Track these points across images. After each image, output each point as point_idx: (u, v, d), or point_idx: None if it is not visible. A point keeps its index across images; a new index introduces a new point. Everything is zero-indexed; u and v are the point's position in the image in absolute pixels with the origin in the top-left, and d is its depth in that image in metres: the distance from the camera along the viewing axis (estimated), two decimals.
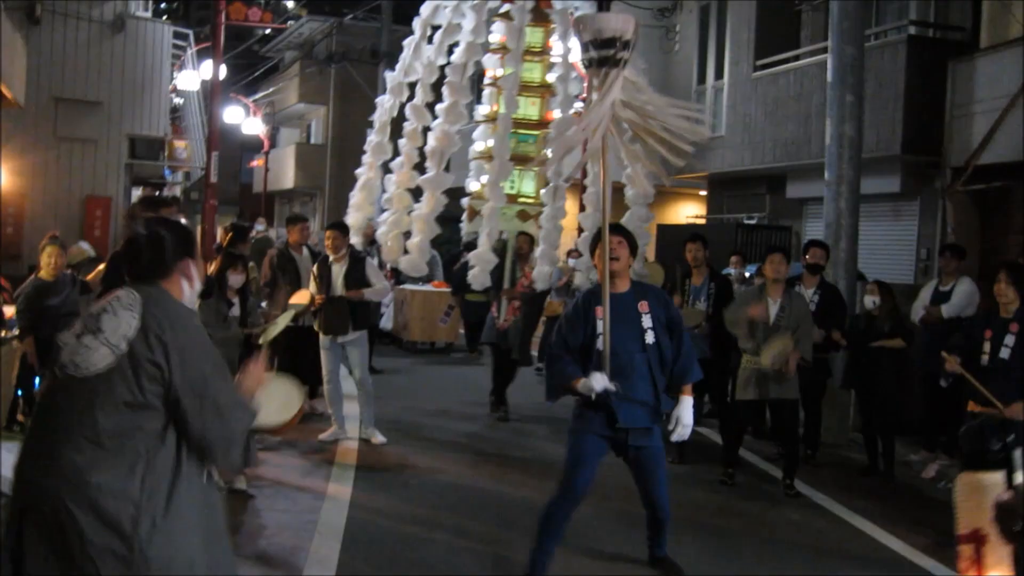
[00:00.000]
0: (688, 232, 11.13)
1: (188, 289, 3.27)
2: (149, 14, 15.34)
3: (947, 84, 11.51)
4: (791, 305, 8.02)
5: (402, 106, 11.71)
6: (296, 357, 9.33)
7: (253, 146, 37.12)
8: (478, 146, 12.12)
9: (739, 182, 17.61)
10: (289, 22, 36.04)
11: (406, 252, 11.22)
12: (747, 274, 11.87)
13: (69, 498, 2.89)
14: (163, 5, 16.14)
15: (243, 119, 32.48)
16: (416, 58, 10.98)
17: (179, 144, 19.61)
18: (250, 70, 34.79)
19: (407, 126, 11.54)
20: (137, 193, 21.20)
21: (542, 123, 11.75)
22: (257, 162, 36.60)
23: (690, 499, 7.63)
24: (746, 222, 16.86)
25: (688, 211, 22.19)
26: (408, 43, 11.60)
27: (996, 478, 2.47)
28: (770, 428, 9.23)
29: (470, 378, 13.40)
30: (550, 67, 12.05)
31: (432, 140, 11.15)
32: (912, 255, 13.44)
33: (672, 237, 15.41)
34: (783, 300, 8.02)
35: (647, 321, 5.43)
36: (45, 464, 2.94)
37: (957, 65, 11.39)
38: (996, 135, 10.36)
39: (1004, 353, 6.66)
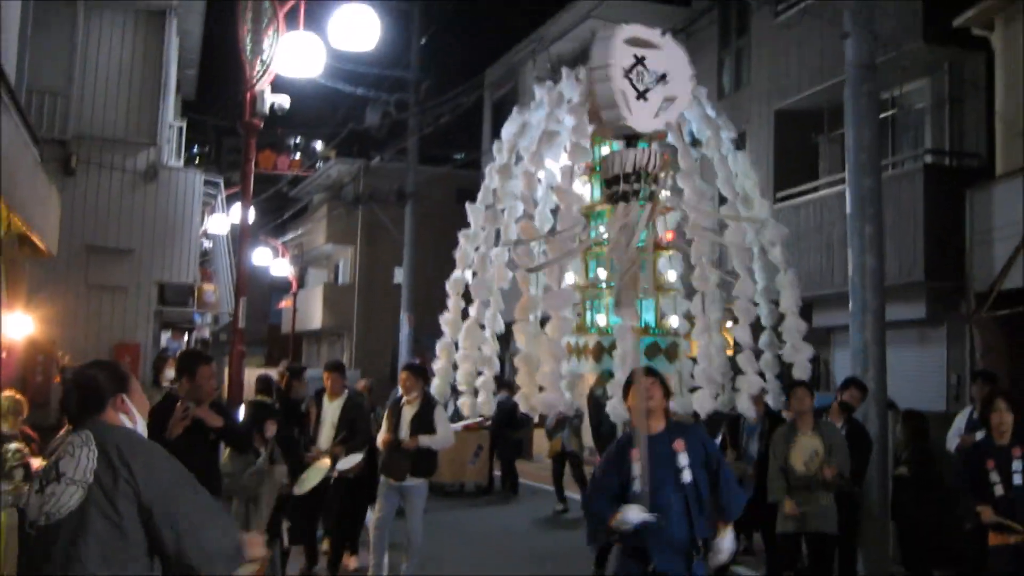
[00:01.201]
0: None
1: (129, 423, 3.39)
2: (181, 163, 15.79)
3: (966, 211, 11.60)
4: (822, 435, 8.01)
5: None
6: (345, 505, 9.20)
7: (281, 287, 37.62)
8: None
9: None
10: (318, 164, 36.98)
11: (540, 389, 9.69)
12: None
13: None
14: (195, 151, 16.60)
15: (272, 260, 33.00)
16: (505, 181, 9.63)
17: (208, 288, 19.92)
18: (279, 212, 35.52)
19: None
20: (166, 337, 21.46)
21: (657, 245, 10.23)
22: (285, 303, 37.00)
23: None
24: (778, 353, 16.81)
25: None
26: (492, 169, 10.00)
27: None
28: (808, 565, 9.04)
29: (510, 525, 13.12)
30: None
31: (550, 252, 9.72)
32: (943, 381, 13.34)
33: None
34: (813, 432, 8.01)
35: (683, 460, 5.38)
36: None
37: (975, 192, 11.52)
38: (1020, 260, 10.39)
39: (1018, 479, 6.63)
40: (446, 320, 9.76)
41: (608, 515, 5.30)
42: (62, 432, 3.60)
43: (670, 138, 8.63)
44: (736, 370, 8.65)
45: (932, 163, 13.50)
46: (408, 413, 8.86)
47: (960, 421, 9.85)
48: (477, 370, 9.42)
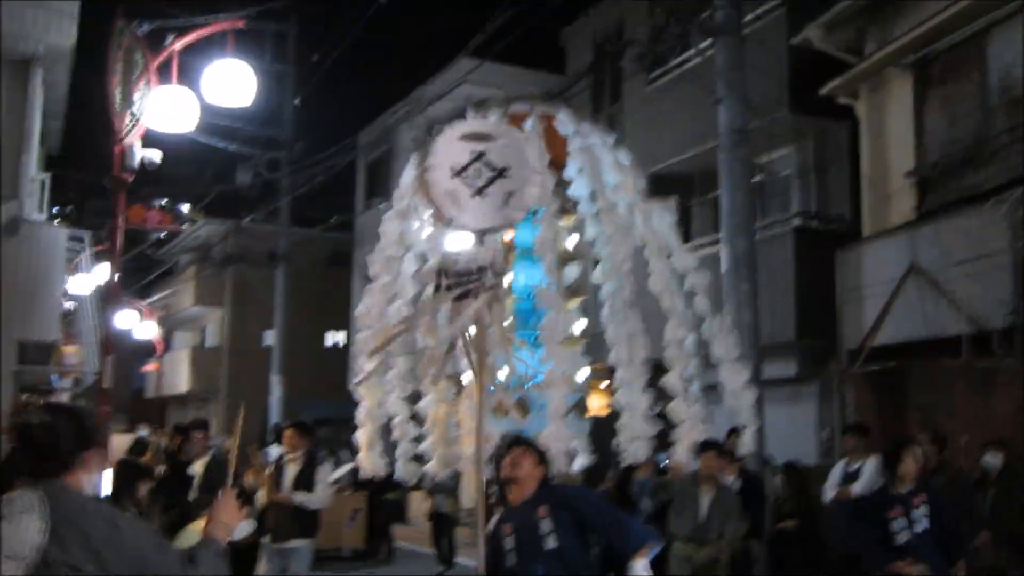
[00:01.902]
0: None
1: (88, 484, 2.88)
2: (44, 218, 15.16)
3: (835, 272, 11.96)
4: (720, 498, 8.18)
5: None
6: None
7: (144, 351, 36.47)
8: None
9: None
10: (184, 225, 36.09)
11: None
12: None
13: None
14: (55, 210, 15.93)
15: (136, 323, 31.96)
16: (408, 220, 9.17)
17: (69, 350, 19.08)
18: (144, 273, 34.51)
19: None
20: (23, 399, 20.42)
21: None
22: (151, 366, 35.90)
23: None
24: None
25: (593, 404, 22.20)
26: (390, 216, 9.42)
27: None
28: None
29: None
30: None
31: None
32: (813, 437, 13.64)
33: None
34: (713, 493, 8.17)
35: (545, 526, 5.12)
36: None
37: (844, 253, 11.89)
38: (888, 318, 10.75)
39: (923, 524, 6.66)
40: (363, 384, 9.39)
41: None
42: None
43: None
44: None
45: (800, 226, 13.91)
46: (292, 471, 8.65)
47: (835, 473, 10.02)
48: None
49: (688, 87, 15.76)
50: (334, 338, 32.99)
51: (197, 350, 35.87)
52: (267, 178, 25.23)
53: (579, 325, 8.41)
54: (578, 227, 8.51)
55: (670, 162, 16.67)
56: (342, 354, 27.96)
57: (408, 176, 9.64)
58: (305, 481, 8.55)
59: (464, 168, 6.13)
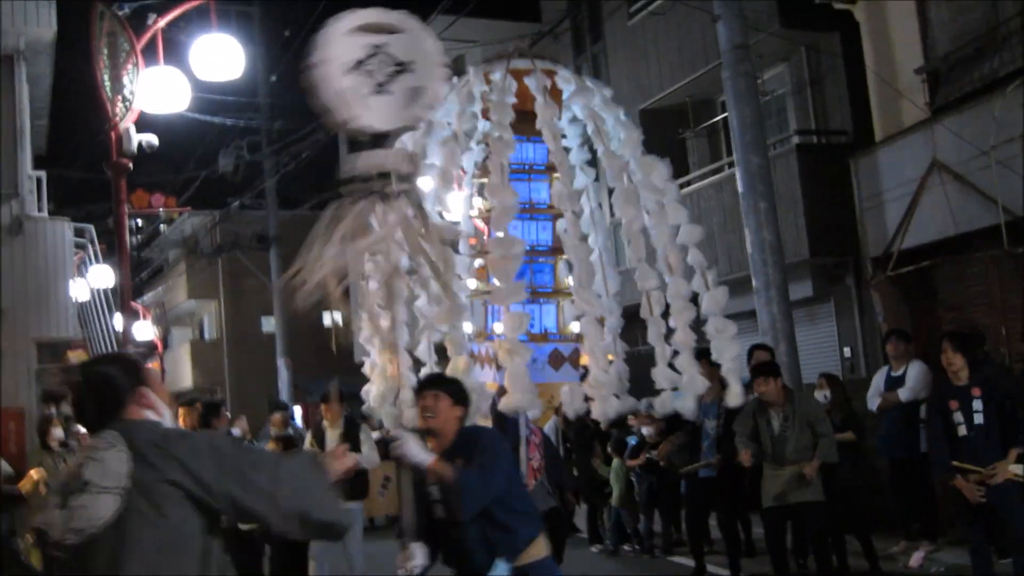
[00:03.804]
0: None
1: (155, 417, 2.93)
2: (46, 213, 14.85)
3: (851, 178, 11.79)
4: (796, 410, 7.93)
5: None
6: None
7: (144, 352, 36.14)
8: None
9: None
10: (160, 226, 35.76)
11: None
12: None
13: None
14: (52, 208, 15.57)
15: (134, 324, 31.64)
16: None
17: (74, 355, 18.74)
18: (133, 273, 34.16)
19: None
20: None
21: (556, 249, 9.18)
22: (153, 366, 35.59)
23: None
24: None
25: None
26: None
27: None
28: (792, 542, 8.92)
29: None
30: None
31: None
32: (835, 355, 13.55)
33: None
34: (785, 409, 7.92)
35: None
36: None
37: (859, 159, 11.71)
38: (913, 219, 10.59)
39: (978, 419, 6.78)
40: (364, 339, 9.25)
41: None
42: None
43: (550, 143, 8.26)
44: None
45: (802, 143, 13.74)
46: (332, 436, 8.73)
47: (879, 380, 9.94)
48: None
49: (671, 16, 15.55)
50: (333, 316, 32.76)
51: (196, 344, 35.60)
52: (249, 159, 24.93)
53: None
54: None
55: (660, 96, 16.46)
56: (343, 331, 27.71)
57: (416, 132, 9.43)
58: (350, 444, 8.41)
59: (361, 63, 5.19)
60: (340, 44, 5.21)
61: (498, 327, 8.40)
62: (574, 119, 8.87)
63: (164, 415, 2.96)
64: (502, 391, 7.76)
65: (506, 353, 7.53)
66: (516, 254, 7.62)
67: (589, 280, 7.95)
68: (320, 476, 2.96)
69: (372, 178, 4.87)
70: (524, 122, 8.34)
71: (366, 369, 8.62)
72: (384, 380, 8.55)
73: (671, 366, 8.08)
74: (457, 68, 24.81)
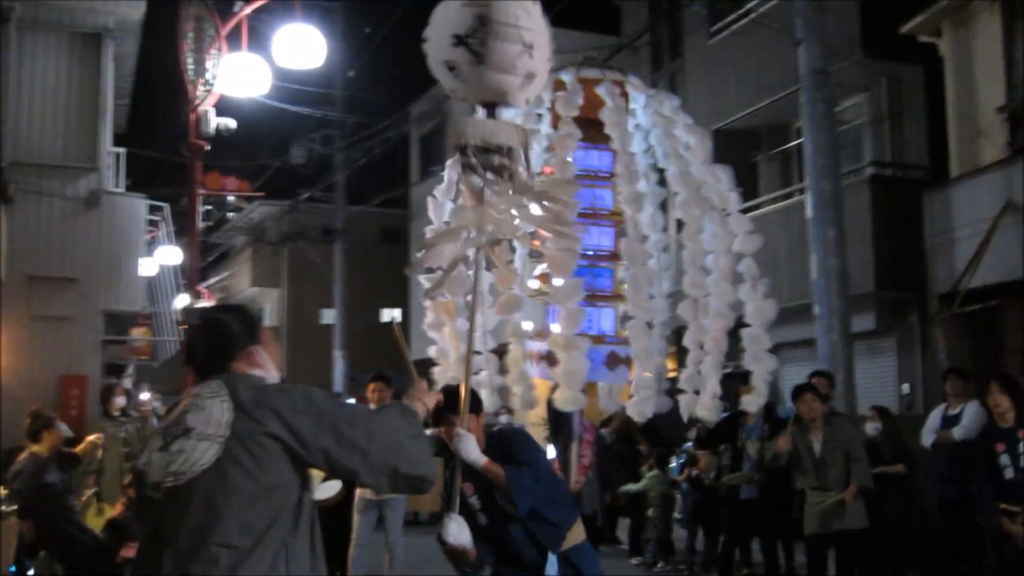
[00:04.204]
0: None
1: (260, 373, 2.95)
2: (123, 189, 15.19)
3: (923, 214, 11.67)
4: (833, 434, 7.89)
5: None
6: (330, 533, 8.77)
7: None
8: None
9: None
10: (229, 214, 36.24)
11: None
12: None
13: None
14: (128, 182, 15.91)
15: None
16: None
17: (137, 331, 19.10)
18: (202, 255, 34.73)
19: None
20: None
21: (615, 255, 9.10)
22: None
23: None
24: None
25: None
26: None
27: None
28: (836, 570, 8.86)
29: None
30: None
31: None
32: (894, 390, 13.38)
33: None
34: (824, 432, 7.90)
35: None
36: None
37: (931, 196, 11.59)
38: (982, 259, 10.45)
39: None
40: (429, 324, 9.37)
41: None
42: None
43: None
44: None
45: (876, 174, 13.61)
46: None
47: (935, 418, 9.80)
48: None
49: (752, 38, 15.48)
50: (389, 314, 33.04)
51: None
52: (321, 153, 25.24)
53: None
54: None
55: (736, 117, 16.36)
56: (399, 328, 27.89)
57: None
58: None
59: (468, 35, 5.28)
60: (447, 16, 5.33)
61: (555, 327, 8.47)
62: (638, 126, 8.94)
63: (272, 376, 2.97)
64: (555, 388, 7.92)
65: (562, 348, 7.55)
66: (575, 250, 7.64)
67: (644, 284, 7.98)
68: (413, 427, 2.98)
69: (483, 149, 5.04)
70: (591, 129, 8.41)
71: (431, 353, 8.70)
72: (450, 366, 8.78)
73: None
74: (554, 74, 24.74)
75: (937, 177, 12.16)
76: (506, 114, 6.15)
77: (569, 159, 7.99)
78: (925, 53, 12.39)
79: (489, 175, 4.98)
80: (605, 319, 9.07)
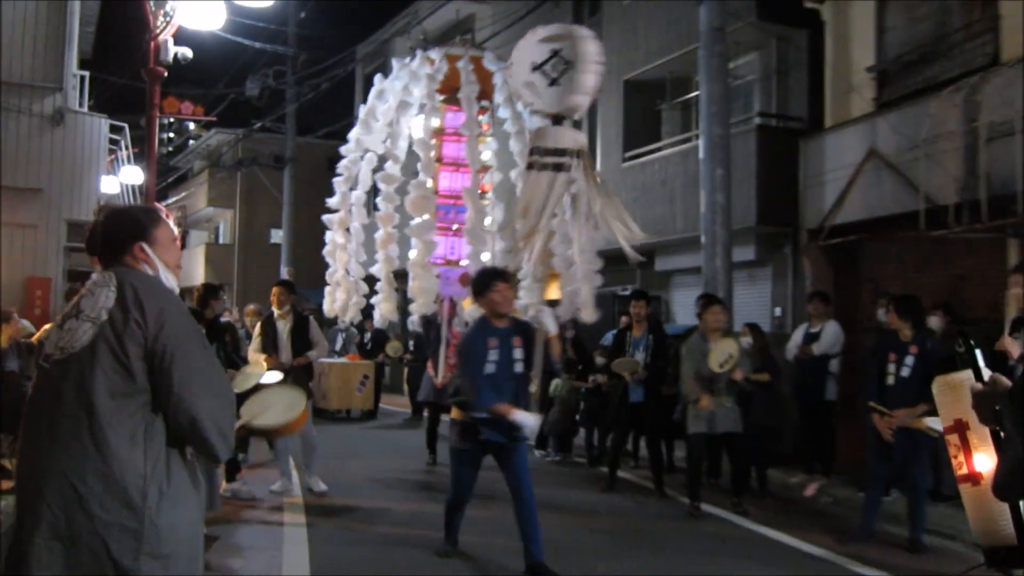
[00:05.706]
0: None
1: (151, 271, 2.92)
2: (86, 109, 14.77)
3: (799, 159, 11.89)
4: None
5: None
6: None
7: None
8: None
9: (613, 259, 17.74)
10: (189, 141, 35.53)
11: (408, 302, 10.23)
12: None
13: (75, 476, 2.63)
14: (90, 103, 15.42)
15: None
16: (365, 134, 10.23)
17: None
18: (161, 177, 34.02)
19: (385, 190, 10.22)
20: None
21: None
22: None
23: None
24: (620, 293, 16.98)
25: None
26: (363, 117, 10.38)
27: (967, 374, 2.57)
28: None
29: (399, 440, 12.95)
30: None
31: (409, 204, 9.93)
32: (767, 313, 13.71)
33: None
34: (725, 338, 8.23)
35: (518, 354, 5.94)
36: (47, 448, 2.68)
37: (807, 143, 11.81)
38: (847, 199, 10.72)
39: (904, 372, 6.91)
40: (328, 252, 10.32)
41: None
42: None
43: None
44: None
45: (762, 124, 13.77)
46: (284, 328, 8.62)
47: (798, 335, 10.17)
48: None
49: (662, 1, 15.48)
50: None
51: (211, 247, 35.56)
52: (273, 87, 24.76)
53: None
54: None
55: (643, 69, 16.40)
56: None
57: (372, 93, 10.22)
58: (300, 335, 8.60)
59: (543, 63, 6.98)
60: (529, 50, 7.11)
61: (412, 254, 9.95)
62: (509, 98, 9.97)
63: (160, 274, 2.94)
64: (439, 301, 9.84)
65: (419, 269, 9.35)
66: (428, 196, 9.63)
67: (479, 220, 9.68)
68: (227, 412, 2.91)
69: (560, 151, 6.70)
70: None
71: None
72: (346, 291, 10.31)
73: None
74: (467, 27, 24.51)
75: (813, 127, 12.36)
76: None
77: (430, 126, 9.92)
78: (810, 17, 12.49)
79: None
80: (463, 247, 10.20)
